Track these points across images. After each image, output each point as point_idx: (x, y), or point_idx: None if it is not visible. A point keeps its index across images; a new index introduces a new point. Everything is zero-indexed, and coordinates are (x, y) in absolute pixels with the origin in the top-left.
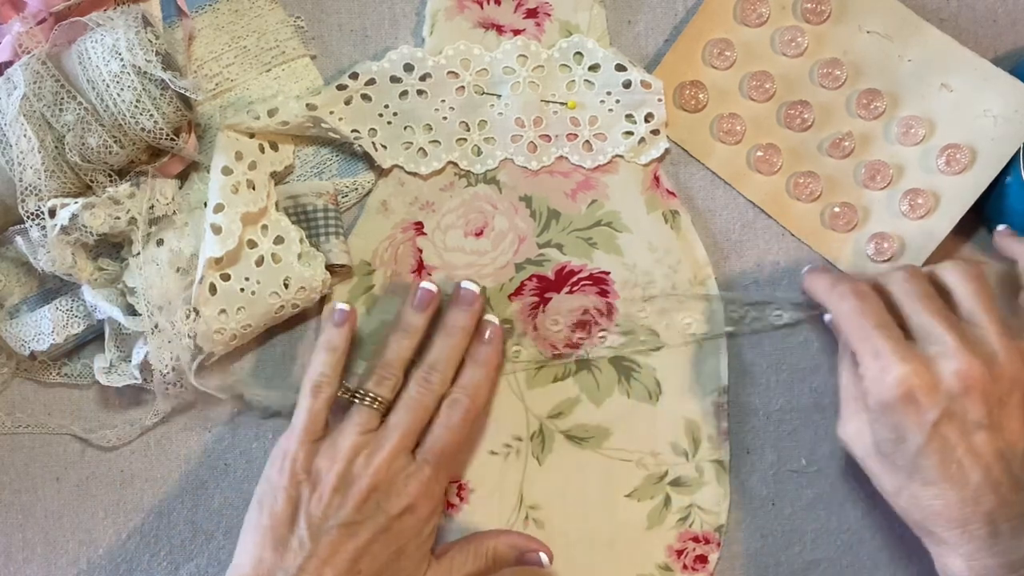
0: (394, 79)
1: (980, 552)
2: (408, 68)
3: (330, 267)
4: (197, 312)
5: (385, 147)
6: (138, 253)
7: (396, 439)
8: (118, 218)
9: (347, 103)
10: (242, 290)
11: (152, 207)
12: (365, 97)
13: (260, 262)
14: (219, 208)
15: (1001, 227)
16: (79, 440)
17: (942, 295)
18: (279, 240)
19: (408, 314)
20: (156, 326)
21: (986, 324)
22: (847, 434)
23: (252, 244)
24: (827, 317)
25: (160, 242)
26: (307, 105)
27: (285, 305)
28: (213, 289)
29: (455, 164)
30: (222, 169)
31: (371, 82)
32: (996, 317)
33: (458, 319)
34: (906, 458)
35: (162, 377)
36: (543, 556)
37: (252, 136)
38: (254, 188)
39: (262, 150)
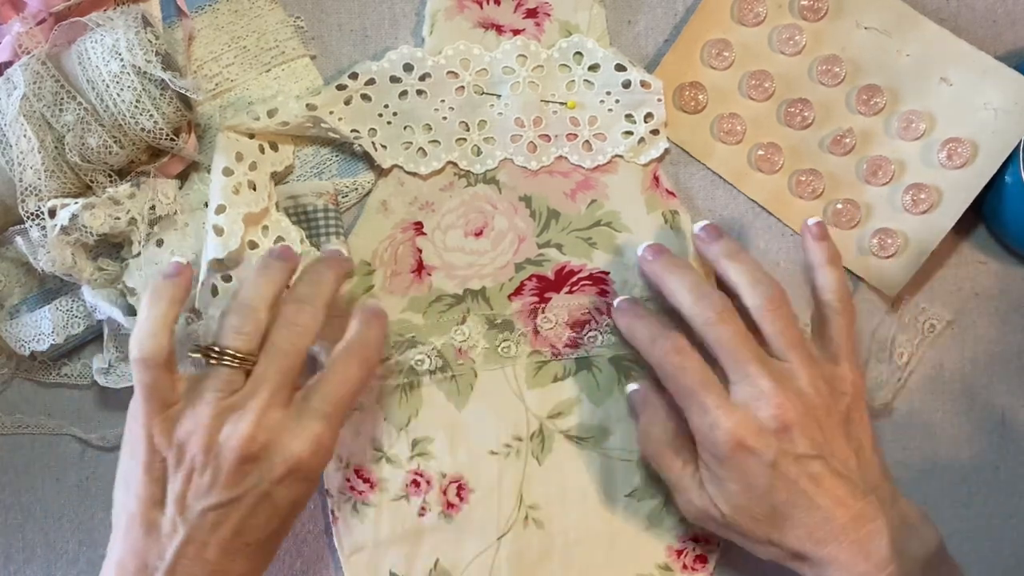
0: (394, 79)
1: (853, 560)
2: (408, 68)
3: None
4: (199, 314)
5: (385, 147)
6: (138, 254)
7: (264, 396)
8: (118, 218)
9: (347, 103)
10: None
11: (153, 207)
12: (365, 97)
13: None
14: (221, 209)
15: (641, 249)
16: (79, 440)
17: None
18: (280, 240)
19: (268, 259)
20: None
21: (794, 359)
22: (696, 516)
23: (253, 245)
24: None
25: (160, 242)
26: (307, 105)
27: None
28: (215, 291)
29: (455, 164)
30: (223, 170)
31: (371, 82)
32: (801, 349)
33: (329, 251)
34: (761, 506)
35: None
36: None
37: (252, 137)
38: (255, 189)
39: (262, 151)
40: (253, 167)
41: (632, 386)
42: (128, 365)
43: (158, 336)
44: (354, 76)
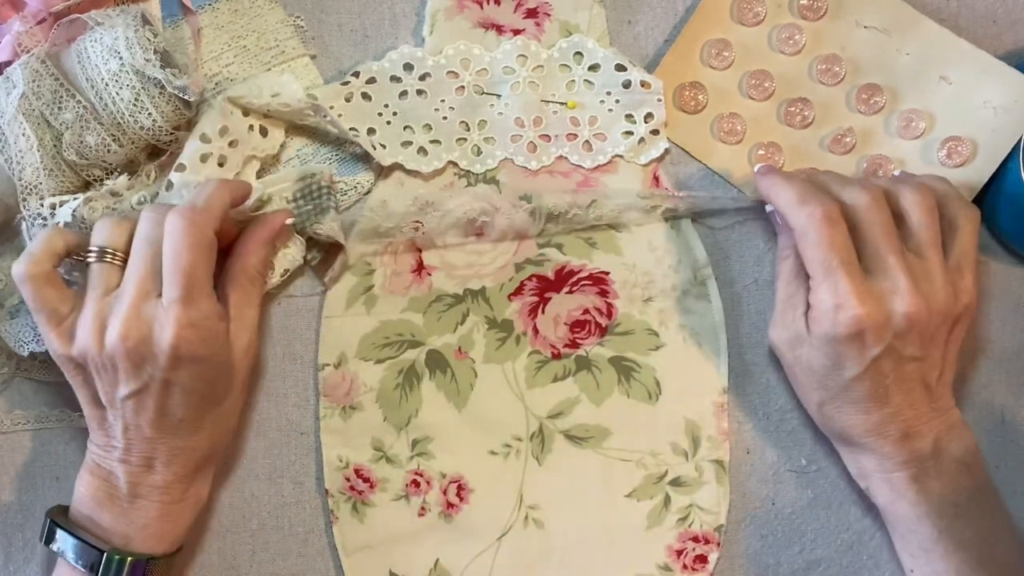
0: (394, 78)
1: (891, 453)
2: (408, 68)
3: (326, 245)
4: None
5: (384, 146)
6: None
7: (131, 291)
8: (115, 209)
9: (347, 99)
10: None
11: (156, 196)
12: (365, 96)
13: None
14: (180, 168)
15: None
16: (79, 439)
17: (897, 217)
18: None
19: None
20: None
21: (932, 258)
22: (779, 339)
23: None
24: (769, 208)
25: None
26: (308, 95)
27: None
28: None
29: (455, 164)
30: (200, 136)
31: (371, 80)
32: (939, 251)
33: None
34: (837, 381)
35: None
36: (288, 220)
37: (247, 114)
38: (222, 165)
39: (251, 129)
40: (233, 144)
41: (770, 207)
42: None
43: (36, 257)
44: (356, 74)
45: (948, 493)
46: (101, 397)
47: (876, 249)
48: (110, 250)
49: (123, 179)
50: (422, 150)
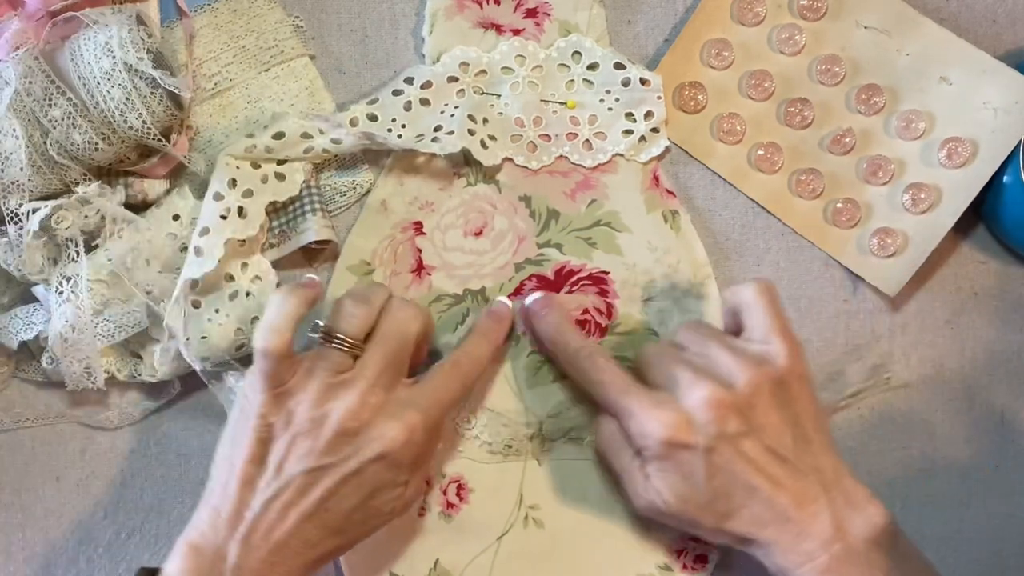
0: (396, 92)
1: (797, 540)
2: (408, 80)
3: (314, 244)
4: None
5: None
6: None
7: (370, 377)
8: (87, 217)
9: (353, 124)
10: (209, 320)
11: (124, 204)
12: (371, 117)
13: (234, 296)
14: (205, 231)
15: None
16: (79, 439)
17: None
18: (256, 279)
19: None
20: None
21: (712, 349)
22: (647, 509)
23: (230, 278)
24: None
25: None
26: (303, 122)
27: (246, 343)
28: (185, 314)
29: (455, 164)
30: (214, 195)
31: (373, 101)
32: (719, 343)
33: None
34: (702, 493)
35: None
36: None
37: (258, 167)
38: (244, 216)
39: (264, 180)
40: (248, 194)
41: None
42: (68, 359)
43: (281, 331)
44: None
45: None
46: (271, 461)
47: (658, 371)
48: (351, 341)
49: (94, 186)
50: (436, 140)
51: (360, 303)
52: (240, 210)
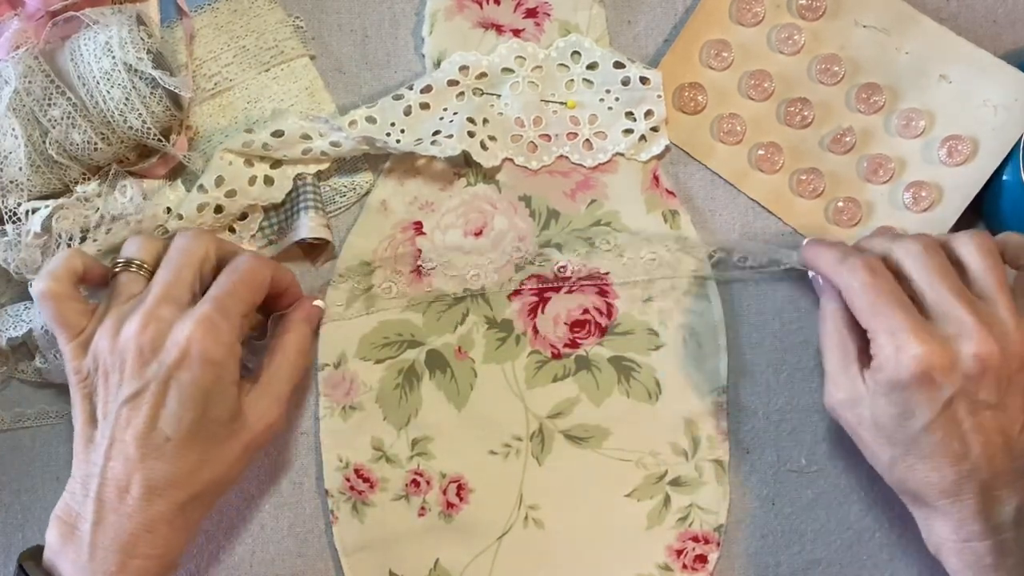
0: (396, 96)
1: (968, 518)
2: (408, 86)
3: (310, 241)
4: None
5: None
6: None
7: (156, 293)
8: (87, 216)
9: (351, 125)
10: None
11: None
12: (370, 120)
13: None
14: (178, 217)
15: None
16: None
17: (955, 267)
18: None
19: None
20: None
21: (1000, 301)
22: (837, 402)
23: None
24: (811, 274)
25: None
26: (303, 136)
27: None
28: None
29: (456, 164)
30: (199, 186)
31: (373, 105)
32: (1008, 294)
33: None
34: (907, 433)
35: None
36: (319, 303)
37: (251, 165)
38: (220, 212)
39: (251, 183)
40: (231, 194)
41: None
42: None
43: (57, 276)
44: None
45: None
46: (98, 411)
47: (935, 293)
48: (137, 261)
49: (93, 185)
50: (436, 143)
51: (146, 236)
52: (218, 208)
